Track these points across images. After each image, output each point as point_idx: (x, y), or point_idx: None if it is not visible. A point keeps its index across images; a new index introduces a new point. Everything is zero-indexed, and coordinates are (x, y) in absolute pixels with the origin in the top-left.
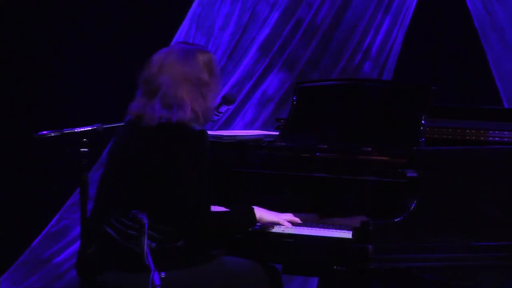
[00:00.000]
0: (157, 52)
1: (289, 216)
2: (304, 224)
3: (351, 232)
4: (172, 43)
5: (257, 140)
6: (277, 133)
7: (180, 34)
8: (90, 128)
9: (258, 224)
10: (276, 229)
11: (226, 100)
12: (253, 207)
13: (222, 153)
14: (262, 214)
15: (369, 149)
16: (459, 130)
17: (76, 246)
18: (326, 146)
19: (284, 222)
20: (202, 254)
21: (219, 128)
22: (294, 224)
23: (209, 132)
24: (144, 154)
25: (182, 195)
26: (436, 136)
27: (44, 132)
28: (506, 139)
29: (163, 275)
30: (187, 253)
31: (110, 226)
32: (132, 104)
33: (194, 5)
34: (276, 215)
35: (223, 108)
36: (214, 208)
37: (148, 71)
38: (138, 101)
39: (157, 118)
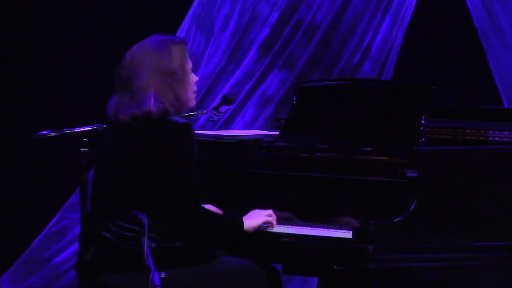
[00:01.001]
0: (132, 46)
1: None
2: (305, 224)
3: (351, 232)
4: None
5: (257, 140)
6: (277, 133)
7: (180, 34)
8: (90, 128)
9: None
10: (276, 229)
11: (226, 100)
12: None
13: (222, 153)
14: (249, 223)
15: (369, 149)
16: (459, 130)
17: (75, 246)
18: (326, 146)
19: (270, 219)
20: (201, 253)
21: (219, 128)
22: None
23: (209, 132)
24: (136, 155)
25: (179, 196)
26: (436, 136)
27: (44, 132)
28: (506, 139)
29: (163, 275)
30: (187, 253)
31: (107, 230)
32: (109, 102)
33: (194, 5)
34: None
35: (223, 108)
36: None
37: (120, 65)
38: (112, 99)
39: (128, 113)
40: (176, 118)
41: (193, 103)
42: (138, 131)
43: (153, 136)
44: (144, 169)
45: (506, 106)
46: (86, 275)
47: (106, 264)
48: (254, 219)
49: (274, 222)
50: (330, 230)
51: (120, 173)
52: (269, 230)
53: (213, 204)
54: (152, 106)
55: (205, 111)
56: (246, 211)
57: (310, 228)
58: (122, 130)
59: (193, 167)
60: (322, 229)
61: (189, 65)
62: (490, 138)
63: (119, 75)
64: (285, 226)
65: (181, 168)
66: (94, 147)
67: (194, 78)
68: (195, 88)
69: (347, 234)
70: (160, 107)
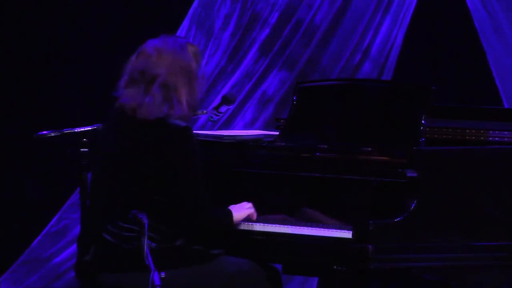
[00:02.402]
0: (149, 41)
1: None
2: (304, 224)
3: (351, 232)
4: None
5: (257, 140)
6: (277, 133)
7: (180, 34)
8: (90, 128)
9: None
10: (276, 229)
11: (226, 100)
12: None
13: (222, 153)
14: (236, 215)
15: (369, 149)
16: (459, 130)
17: (76, 246)
18: (326, 146)
19: (251, 211)
20: (202, 253)
21: (219, 128)
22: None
23: (209, 132)
24: (137, 155)
25: (179, 196)
26: (436, 136)
27: (44, 132)
28: (506, 139)
29: (163, 275)
30: (187, 253)
31: (107, 230)
32: (122, 95)
33: (194, 5)
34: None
35: (223, 108)
36: None
37: (143, 60)
38: (129, 92)
39: (156, 111)
40: (177, 121)
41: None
42: (140, 131)
43: (154, 138)
44: (144, 169)
45: (506, 106)
46: (86, 275)
47: (106, 264)
48: (239, 212)
49: (255, 215)
50: (330, 230)
51: (121, 173)
52: (269, 230)
53: (213, 204)
54: (183, 110)
55: (205, 111)
56: None
57: (310, 228)
58: (124, 128)
59: (195, 168)
60: (322, 229)
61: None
62: (490, 138)
63: (142, 69)
64: (285, 226)
65: (182, 169)
66: (94, 146)
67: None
68: None
69: (347, 234)
70: (187, 112)
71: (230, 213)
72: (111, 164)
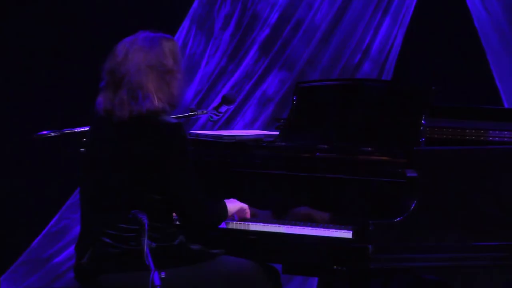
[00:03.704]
0: (121, 41)
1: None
2: (304, 223)
3: (351, 232)
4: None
5: (257, 140)
6: (277, 133)
7: (180, 34)
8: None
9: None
10: (276, 229)
11: (226, 100)
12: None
13: (222, 153)
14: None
15: (369, 149)
16: (459, 130)
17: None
18: (326, 146)
19: (241, 204)
20: (201, 253)
21: (219, 128)
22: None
23: (209, 132)
24: (128, 156)
25: (174, 194)
26: (436, 136)
27: (44, 132)
28: (506, 139)
29: (163, 275)
30: (187, 252)
31: (105, 232)
32: (98, 99)
33: (194, 5)
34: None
35: (223, 108)
36: None
37: (112, 60)
38: (104, 95)
39: (127, 111)
40: (168, 119)
41: (182, 96)
42: (130, 130)
43: (146, 136)
44: (137, 169)
45: (506, 106)
46: (86, 276)
47: (105, 265)
48: (232, 204)
49: (248, 211)
50: (330, 230)
51: (114, 172)
52: (269, 230)
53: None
54: (153, 104)
55: (205, 111)
56: None
57: (310, 228)
58: (113, 129)
59: (188, 165)
60: (322, 229)
61: (181, 61)
62: (490, 138)
63: (111, 70)
64: (285, 226)
65: (175, 167)
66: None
67: (181, 75)
68: (183, 82)
69: (347, 234)
70: (160, 106)
71: (225, 206)
72: (103, 163)
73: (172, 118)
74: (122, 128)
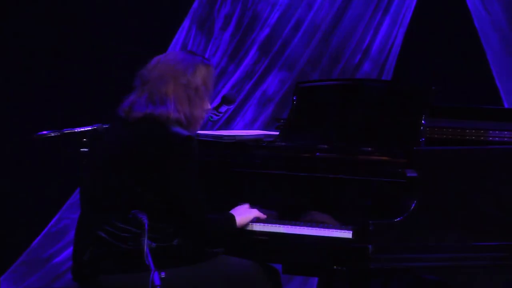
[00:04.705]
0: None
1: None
2: (305, 223)
3: (351, 232)
4: (172, 43)
5: (257, 140)
6: (277, 133)
7: (180, 34)
8: (90, 128)
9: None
10: (276, 229)
11: (226, 100)
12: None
13: (222, 153)
14: (240, 219)
15: (369, 149)
16: (459, 130)
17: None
18: (326, 146)
19: (260, 215)
20: (201, 253)
21: (219, 128)
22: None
23: (209, 132)
24: (129, 155)
25: (178, 197)
26: (436, 136)
27: (44, 132)
28: (506, 139)
29: (163, 275)
30: (187, 252)
31: (104, 231)
32: (125, 100)
33: (194, 5)
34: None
35: (223, 108)
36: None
37: (144, 68)
38: (128, 97)
39: (142, 112)
40: (180, 130)
41: (200, 124)
42: (138, 129)
43: (156, 142)
44: (143, 172)
45: (506, 106)
46: (84, 277)
47: (104, 266)
48: (243, 215)
49: (262, 216)
50: (330, 230)
51: (118, 173)
52: (269, 230)
53: (213, 204)
54: (168, 110)
55: None
56: None
57: (310, 228)
58: (124, 128)
59: (194, 178)
60: (322, 229)
61: (211, 88)
62: (490, 138)
63: (141, 75)
64: (285, 226)
65: (180, 178)
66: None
67: (208, 104)
68: (206, 113)
69: (347, 234)
70: (175, 115)
71: (231, 219)
72: (109, 163)
73: (184, 130)
74: (131, 127)
